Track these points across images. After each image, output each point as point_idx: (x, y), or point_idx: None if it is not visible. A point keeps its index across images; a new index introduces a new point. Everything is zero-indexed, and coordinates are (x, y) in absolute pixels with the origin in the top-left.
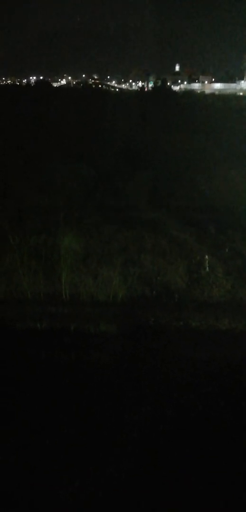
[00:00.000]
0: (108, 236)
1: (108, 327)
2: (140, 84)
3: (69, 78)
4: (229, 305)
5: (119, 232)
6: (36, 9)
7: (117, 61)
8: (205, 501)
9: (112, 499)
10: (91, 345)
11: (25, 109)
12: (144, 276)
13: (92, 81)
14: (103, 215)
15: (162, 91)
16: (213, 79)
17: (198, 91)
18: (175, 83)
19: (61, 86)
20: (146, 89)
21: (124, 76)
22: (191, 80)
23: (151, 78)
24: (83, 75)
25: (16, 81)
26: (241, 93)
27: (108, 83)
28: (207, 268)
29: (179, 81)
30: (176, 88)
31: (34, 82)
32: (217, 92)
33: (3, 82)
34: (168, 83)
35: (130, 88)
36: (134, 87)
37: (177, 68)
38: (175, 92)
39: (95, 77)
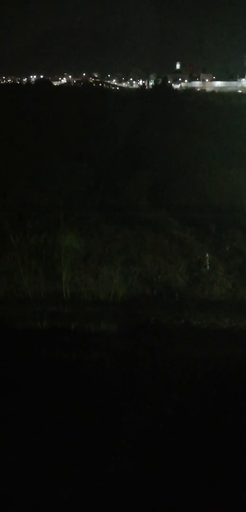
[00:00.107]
0: (108, 235)
1: (109, 326)
2: (141, 82)
3: (70, 77)
4: (230, 304)
5: (119, 231)
6: (36, 8)
7: (117, 59)
8: (205, 501)
9: (112, 499)
10: (92, 344)
11: (26, 108)
12: (144, 275)
13: (93, 79)
14: (104, 214)
15: (162, 89)
16: (214, 77)
17: (198, 89)
18: (176, 81)
19: (62, 85)
20: (146, 88)
21: (124, 75)
22: (192, 78)
23: (152, 76)
24: (84, 74)
25: (17, 80)
26: (240, 91)
27: (109, 81)
28: (208, 267)
29: (180, 79)
30: (176, 86)
31: (35, 81)
32: (217, 90)
33: (3, 81)
34: (169, 81)
35: (131, 87)
36: (134, 86)
37: (178, 66)
38: (175, 90)
39: (96, 75)
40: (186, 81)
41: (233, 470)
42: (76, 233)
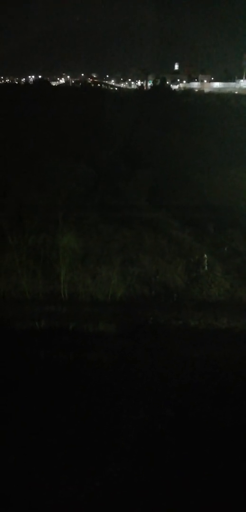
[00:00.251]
0: (107, 235)
1: (107, 327)
2: (139, 83)
3: (68, 77)
4: (228, 304)
5: (118, 232)
6: (34, 9)
7: (116, 60)
8: (204, 501)
9: (112, 498)
10: (90, 344)
11: (24, 108)
12: (143, 276)
13: (91, 80)
14: (103, 215)
15: (161, 90)
16: (212, 78)
17: (196, 90)
18: (174, 82)
19: (60, 85)
20: (145, 88)
21: (123, 75)
22: (190, 79)
23: (150, 77)
24: (82, 74)
25: (15, 80)
26: (236, 92)
27: (107, 82)
28: (206, 267)
29: (178, 80)
30: (175, 87)
31: (33, 81)
32: (216, 91)
33: (2, 81)
34: (167, 82)
35: (129, 87)
36: (133, 86)
37: (176, 67)
38: (174, 91)
39: (94, 76)
40: (184, 81)
41: (231, 468)
42: (75, 233)
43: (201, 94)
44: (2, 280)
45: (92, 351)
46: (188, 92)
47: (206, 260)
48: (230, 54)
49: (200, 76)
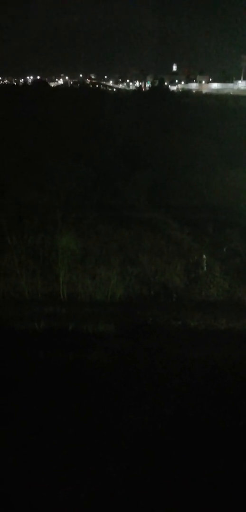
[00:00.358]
0: (106, 235)
1: (106, 327)
2: (137, 84)
3: (67, 78)
4: (227, 305)
5: (117, 232)
6: (33, 9)
7: (114, 61)
8: (204, 500)
9: (112, 498)
10: (90, 345)
11: (23, 108)
12: (142, 276)
13: (90, 80)
14: (102, 215)
15: (159, 91)
16: (211, 79)
17: (194, 91)
18: (173, 83)
19: (59, 86)
20: (143, 89)
21: (121, 76)
22: (189, 80)
23: (149, 78)
24: (81, 75)
25: (13, 80)
26: (231, 93)
27: (106, 83)
28: (205, 268)
29: (177, 81)
30: (173, 88)
31: (31, 81)
32: (214, 92)
33: (0, 82)
34: (166, 83)
35: (127, 88)
36: (131, 87)
37: (175, 68)
38: (172, 92)
39: (93, 77)
40: (182, 82)
41: (232, 469)
42: (74, 233)
43: (199, 95)
44: (1, 280)
45: (92, 351)
46: (186, 93)
47: (205, 261)
48: (228, 55)
49: (198, 77)
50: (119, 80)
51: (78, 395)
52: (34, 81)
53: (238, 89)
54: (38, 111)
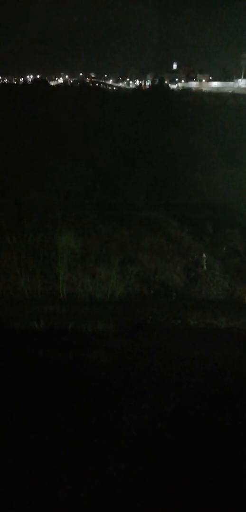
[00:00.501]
0: (106, 235)
1: (106, 326)
2: (137, 82)
3: (66, 76)
4: (227, 303)
5: (117, 231)
6: (33, 8)
7: (114, 59)
8: (204, 500)
9: (112, 498)
10: (89, 344)
11: (23, 108)
12: (142, 275)
13: (90, 79)
14: (101, 214)
15: (159, 89)
16: (211, 78)
17: (195, 90)
18: (173, 81)
19: (58, 85)
20: (143, 88)
21: (121, 75)
22: (189, 79)
23: (149, 76)
24: (81, 74)
25: (13, 80)
26: (230, 91)
27: (106, 81)
28: (205, 267)
29: (177, 79)
30: (173, 86)
31: (31, 80)
32: (214, 90)
33: (0, 81)
34: (166, 82)
35: (127, 87)
36: (131, 86)
37: (175, 66)
38: (172, 90)
39: (93, 75)
40: (182, 81)
41: (230, 467)
42: (74, 233)
43: (199, 93)
44: (1, 279)
45: (92, 350)
46: (187, 91)
47: (205, 260)
48: (229, 54)
49: (198, 76)
50: (120, 78)
51: (78, 394)
52: (34, 80)
53: (239, 88)
54: (38, 111)
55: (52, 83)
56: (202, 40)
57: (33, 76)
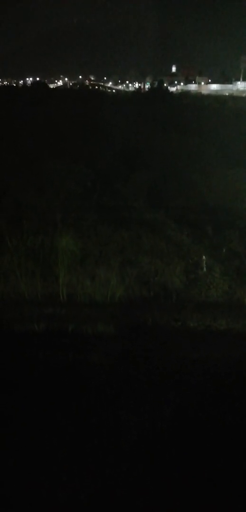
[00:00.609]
0: (106, 236)
1: (106, 328)
2: (137, 85)
3: (66, 79)
4: (227, 306)
5: (116, 233)
6: (32, 10)
7: (114, 62)
8: (204, 501)
9: (112, 499)
10: (89, 346)
11: (23, 110)
12: (142, 277)
13: (89, 82)
14: (101, 216)
15: (158, 92)
16: (210, 80)
17: (194, 92)
18: (172, 84)
19: (58, 87)
20: (142, 90)
21: (120, 77)
22: (188, 81)
23: (148, 79)
24: (80, 76)
25: (13, 82)
26: (226, 93)
27: (105, 84)
28: (205, 269)
29: (176, 82)
30: (172, 89)
31: (31, 83)
32: (213, 93)
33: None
34: (165, 84)
35: (127, 89)
36: (130, 88)
37: (174, 69)
38: (171, 93)
39: (92, 78)
40: (182, 84)
41: (230, 468)
42: (73, 234)
43: (198, 96)
44: (1, 281)
45: (92, 352)
46: (186, 94)
47: (204, 262)
48: (228, 56)
49: (198, 78)
50: (119, 81)
51: (78, 395)
52: (34, 82)
53: (237, 90)
54: (38, 112)
55: (51, 86)
56: (201, 43)
57: (32, 78)
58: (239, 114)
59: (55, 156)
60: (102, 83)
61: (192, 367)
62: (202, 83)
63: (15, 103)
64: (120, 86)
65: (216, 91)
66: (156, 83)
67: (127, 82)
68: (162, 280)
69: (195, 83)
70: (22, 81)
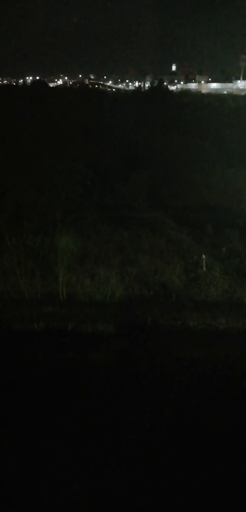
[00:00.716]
0: (105, 236)
1: (106, 327)
2: (137, 84)
3: (66, 78)
4: (227, 305)
5: (116, 232)
6: (32, 10)
7: (114, 61)
8: (204, 501)
9: (112, 500)
10: (89, 345)
11: (22, 109)
12: (141, 276)
13: (89, 81)
14: (101, 215)
15: (158, 90)
16: (210, 79)
17: (194, 91)
18: (172, 83)
19: (58, 86)
20: (142, 89)
21: (120, 76)
22: (188, 80)
23: (148, 78)
24: (80, 75)
25: (13, 81)
26: (225, 92)
27: (105, 83)
28: (204, 268)
29: (176, 81)
30: (172, 88)
31: (31, 82)
32: (213, 92)
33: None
34: (165, 83)
35: (127, 88)
36: (130, 87)
37: (174, 68)
38: (171, 92)
39: (92, 77)
40: (182, 82)
41: (230, 469)
42: (73, 234)
43: (198, 95)
44: (0, 281)
45: (91, 351)
46: (186, 93)
47: (204, 261)
48: (228, 55)
49: (198, 77)
50: (119, 80)
51: (77, 395)
52: (34, 81)
53: (237, 89)
54: (37, 112)
55: (51, 85)
56: (201, 41)
57: (32, 77)
58: (239, 114)
59: (55, 155)
60: (102, 82)
61: (192, 366)
62: (202, 82)
63: (15, 102)
64: (120, 85)
65: (216, 89)
66: (156, 82)
67: (127, 81)
68: (161, 279)
69: (195, 82)
70: (22, 80)
